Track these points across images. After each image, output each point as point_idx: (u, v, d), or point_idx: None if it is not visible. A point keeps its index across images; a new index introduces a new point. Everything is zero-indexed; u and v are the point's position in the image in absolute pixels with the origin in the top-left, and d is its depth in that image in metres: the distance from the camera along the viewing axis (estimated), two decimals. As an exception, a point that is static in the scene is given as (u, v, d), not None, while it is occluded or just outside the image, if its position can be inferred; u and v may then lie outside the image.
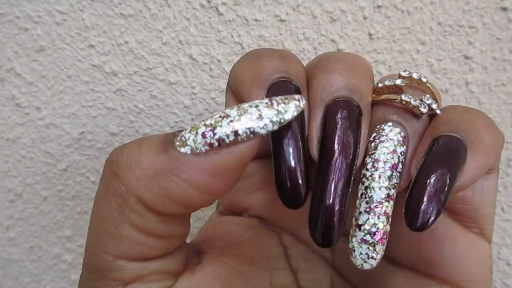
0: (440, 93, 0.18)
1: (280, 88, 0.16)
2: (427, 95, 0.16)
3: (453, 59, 0.28)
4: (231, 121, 0.14)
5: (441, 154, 0.15)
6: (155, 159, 0.15)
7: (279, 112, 0.15)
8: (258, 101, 0.15)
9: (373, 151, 0.16)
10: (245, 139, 0.14)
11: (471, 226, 0.18)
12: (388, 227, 0.15)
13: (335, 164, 0.15)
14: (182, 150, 0.14)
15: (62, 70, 0.30)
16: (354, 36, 0.28)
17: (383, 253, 0.15)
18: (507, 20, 0.27)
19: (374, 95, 0.17)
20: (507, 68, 0.28)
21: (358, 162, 0.16)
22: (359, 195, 0.16)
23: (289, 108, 0.15)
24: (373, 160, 0.16)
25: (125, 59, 0.30)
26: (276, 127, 0.15)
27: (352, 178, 0.16)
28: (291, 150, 0.16)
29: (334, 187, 0.15)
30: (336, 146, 0.15)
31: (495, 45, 0.28)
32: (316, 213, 0.16)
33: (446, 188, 0.14)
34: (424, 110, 0.16)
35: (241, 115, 0.14)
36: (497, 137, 0.16)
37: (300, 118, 0.16)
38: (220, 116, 0.15)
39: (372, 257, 0.15)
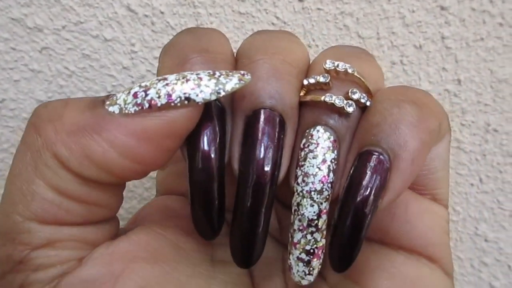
0: (381, 72, 0.18)
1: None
2: (354, 89, 0.16)
3: (427, 10, 0.25)
4: (167, 84, 0.14)
5: (360, 184, 0.14)
6: (79, 115, 0.14)
7: (219, 82, 0.14)
8: (201, 70, 0.14)
9: (302, 163, 0.15)
10: (179, 104, 0.14)
11: (422, 192, 0.17)
12: (323, 241, 0.15)
13: (252, 187, 0.15)
14: (110, 109, 0.14)
15: (-24, 25, 0.25)
16: (317, -16, 0.25)
17: (319, 266, 0.16)
18: (486, -35, 0.24)
19: (302, 93, 0.16)
20: (486, 21, 0.25)
21: (282, 172, 0.16)
22: (293, 210, 0.16)
23: (231, 80, 0.14)
24: (303, 173, 0.15)
25: (50, 11, 0.25)
26: (214, 97, 0.14)
27: (273, 193, 0.15)
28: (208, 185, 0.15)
29: (250, 211, 0.15)
30: (253, 168, 0.15)
31: (473, -7, 0.25)
32: (235, 236, 0.16)
33: (367, 220, 0.14)
34: (350, 109, 0.15)
35: (179, 79, 0.14)
36: (429, 129, 0.15)
37: (221, 143, 0.15)
38: (157, 79, 0.14)
39: (309, 274, 0.16)
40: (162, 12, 0.25)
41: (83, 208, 0.15)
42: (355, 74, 0.16)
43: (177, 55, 0.16)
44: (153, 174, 0.28)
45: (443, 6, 0.25)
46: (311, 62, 0.17)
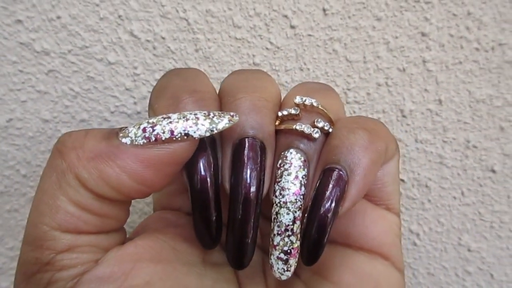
0: (341, 104, 0.21)
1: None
2: (319, 119, 0.19)
3: (409, 36, 0.27)
4: (171, 122, 0.17)
5: (324, 195, 0.17)
6: (97, 144, 0.17)
7: (213, 121, 0.17)
8: (198, 111, 0.17)
9: (279, 179, 0.18)
10: (179, 139, 0.17)
11: (377, 202, 0.21)
12: (298, 243, 0.18)
13: (242, 203, 0.18)
14: (123, 140, 0.17)
15: (-14, 49, 0.27)
16: (308, 12, 0.27)
17: (296, 263, 0.19)
18: (462, -5, 0.26)
19: (277, 122, 0.19)
20: (464, 46, 0.27)
21: (265, 188, 0.18)
22: (272, 218, 0.18)
23: (222, 120, 0.17)
24: (280, 188, 0.18)
25: (57, 36, 0.27)
26: (208, 134, 0.17)
27: (259, 207, 0.18)
28: (207, 204, 0.18)
29: (241, 222, 0.18)
30: (241, 186, 0.18)
31: (451, 21, 0.27)
32: (229, 243, 0.19)
33: (330, 224, 0.17)
34: (316, 135, 0.18)
35: (180, 118, 0.17)
36: (377, 150, 0.18)
37: (215, 169, 0.18)
38: (162, 117, 0.17)
39: (287, 270, 0.18)
40: (163, 38, 0.27)
41: (97, 220, 0.17)
42: (319, 107, 0.19)
43: (170, 96, 0.18)
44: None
45: (424, 33, 0.27)
46: (283, 96, 0.21)
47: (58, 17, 0.26)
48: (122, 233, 0.19)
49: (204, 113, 0.17)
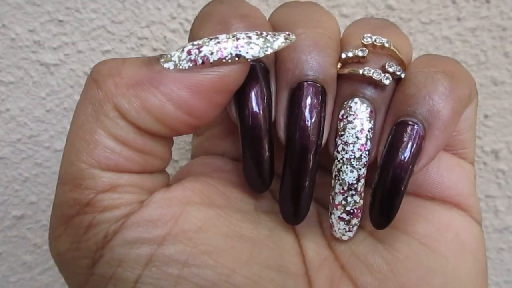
0: (410, 43, 0.18)
1: None
2: (391, 62, 0.17)
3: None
4: (219, 42, 0.15)
5: (397, 152, 0.16)
6: (137, 70, 0.15)
7: (267, 40, 0.15)
8: (250, 31, 0.15)
9: (342, 133, 0.17)
10: (230, 61, 0.15)
11: (451, 151, 0.19)
12: (361, 202, 0.17)
13: (299, 155, 0.16)
14: (166, 65, 0.15)
15: None
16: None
17: (358, 223, 0.17)
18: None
19: (339, 66, 0.17)
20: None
21: (324, 139, 0.17)
22: (333, 175, 0.17)
23: (278, 39, 0.15)
24: (343, 142, 0.16)
25: (7, 126, 0.28)
26: (262, 54, 0.15)
27: (317, 160, 0.16)
28: (259, 145, 0.16)
29: (297, 175, 0.16)
30: (299, 136, 0.16)
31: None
32: (284, 197, 0.17)
33: (404, 186, 0.16)
34: (386, 82, 0.16)
35: (229, 38, 0.15)
36: (460, 98, 0.16)
37: (268, 103, 0.16)
38: (209, 38, 0.15)
39: (349, 231, 0.17)
40: (105, 127, 0.29)
41: (140, 157, 0.16)
42: (391, 47, 0.17)
43: (218, 22, 0.16)
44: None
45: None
46: (342, 34, 0.18)
47: (7, 109, 0.28)
48: (166, 176, 0.18)
49: (257, 33, 0.15)
